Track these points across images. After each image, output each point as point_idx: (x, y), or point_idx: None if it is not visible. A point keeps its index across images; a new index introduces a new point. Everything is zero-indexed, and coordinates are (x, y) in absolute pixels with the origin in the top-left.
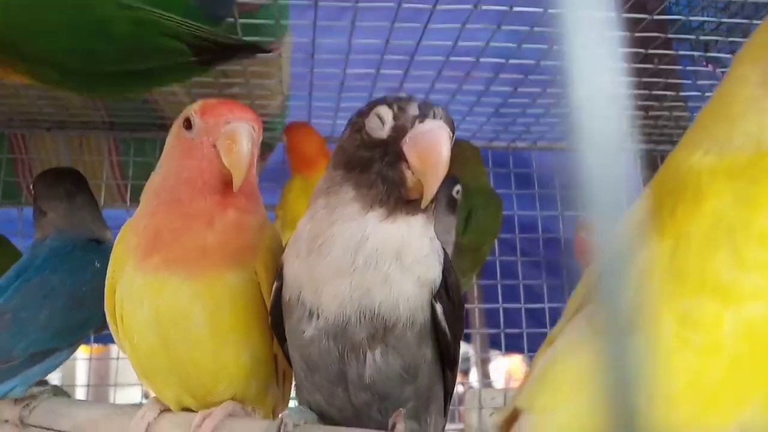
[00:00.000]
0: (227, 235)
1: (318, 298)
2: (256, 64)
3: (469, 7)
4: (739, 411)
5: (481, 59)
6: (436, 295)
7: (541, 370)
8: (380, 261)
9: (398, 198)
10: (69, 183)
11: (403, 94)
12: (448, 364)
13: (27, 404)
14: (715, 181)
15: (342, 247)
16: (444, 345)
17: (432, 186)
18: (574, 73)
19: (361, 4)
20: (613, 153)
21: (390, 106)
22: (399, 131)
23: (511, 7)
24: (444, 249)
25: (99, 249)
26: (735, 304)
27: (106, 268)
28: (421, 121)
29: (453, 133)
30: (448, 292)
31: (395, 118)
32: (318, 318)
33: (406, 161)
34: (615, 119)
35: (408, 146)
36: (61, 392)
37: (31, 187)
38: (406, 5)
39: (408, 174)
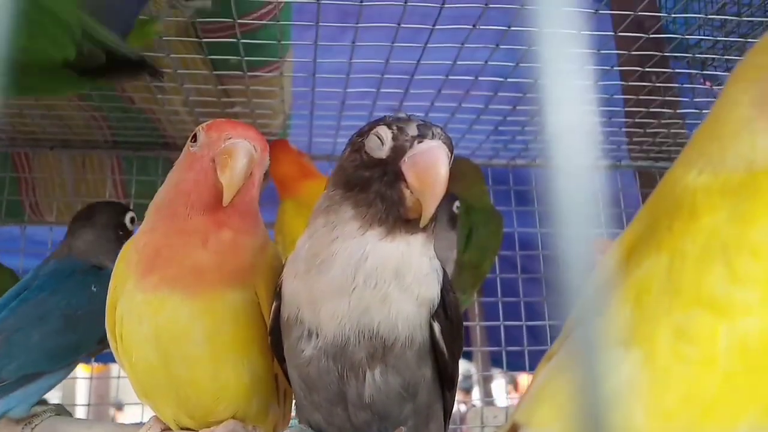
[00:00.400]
0: (222, 255)
1: (317, 317)
2: (258, 84)
3: (468, 27)
4: (734, 424)
5: (480, 78)
6: (434, 314)
7: (539, 385)
8: (380, 280)
9: (397, 217)
10: (104, 214)
11: (402, 115)
12: (446, 382)
13: (28, 423)
14: (710, 198)
15: (342, 266)
16: (442, 364)
17: (430, 205)
18: (548, 89)
19: (361, 24)
20: (584, 174)
21: (389, 126)
22: (398, 151)
23: (509, 27)
24: (443, 268)
25: (99, 274)
26: (729, 318)
27: (103, 293)
28: (420, 141)
29: (451, 153)
30: (446, 311)
31: (394, 138)
32: (317, 337)
33: (405, 181)
34: (587, 140)
35: (407, 166)
36: (64, 411)
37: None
38: (405, 25)
39: (407, 193)
